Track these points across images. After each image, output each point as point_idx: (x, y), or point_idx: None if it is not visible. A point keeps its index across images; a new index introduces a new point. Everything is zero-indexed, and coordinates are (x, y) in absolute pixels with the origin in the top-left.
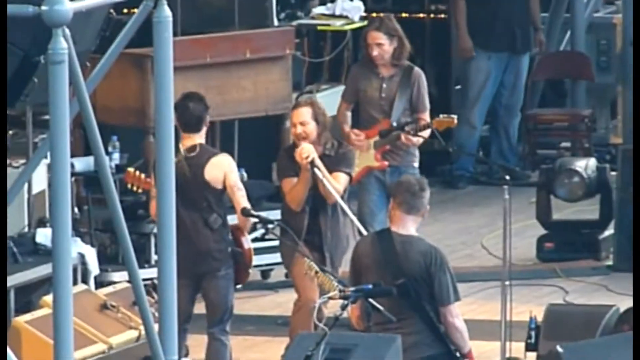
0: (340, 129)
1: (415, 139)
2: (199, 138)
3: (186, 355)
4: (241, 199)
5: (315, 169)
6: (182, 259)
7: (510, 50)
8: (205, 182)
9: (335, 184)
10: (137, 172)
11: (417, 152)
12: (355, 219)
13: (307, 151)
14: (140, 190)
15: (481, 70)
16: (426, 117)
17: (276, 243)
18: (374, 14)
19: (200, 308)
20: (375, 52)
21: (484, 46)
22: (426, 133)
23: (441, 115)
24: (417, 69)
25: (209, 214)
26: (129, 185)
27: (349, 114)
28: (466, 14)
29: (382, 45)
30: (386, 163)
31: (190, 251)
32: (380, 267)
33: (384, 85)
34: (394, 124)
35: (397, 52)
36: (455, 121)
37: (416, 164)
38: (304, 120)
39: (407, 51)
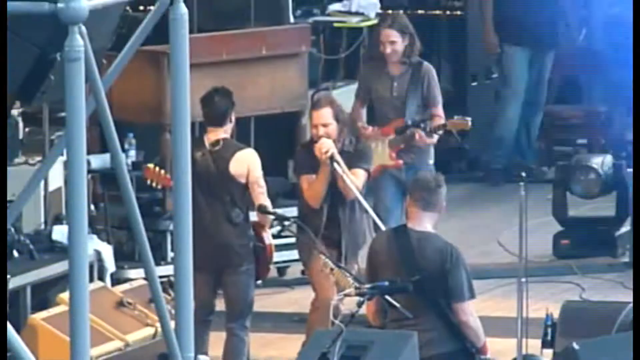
0: (354, 126)
1: (429, 139)
2: (224, 132)
3: (206, 352)
4: (260, 196)
5: (335, 164)
6: (203, 254)
7: (535, 46)
8: (230, 176)
9: (355, 179)
10: (157, 168)
11: (431, 150)
12: (374, 214)
13: (327, 146)
14: (159, 187)
15: (514, 63)
16: (439, 111)
17: (292, 240)
18: (390, 11)
19: (219, 305)
20: (388, 50)
21: (511, 40)
22: (435, 137)
23: (455, 117)
24: (426, 63)
25: (232, 208)
26: (148, 181)
27: (363, 111)
28: (493, 8)
29: (395, 43)
30: (401, 162)
31: (211, 246)
32: (397, 264)
33: (395, 84)
34: (409, 122)
35: (408, 49)
36: (469, 124)
37: (431, 161)
38: (325, 122)
39: (418, 48)
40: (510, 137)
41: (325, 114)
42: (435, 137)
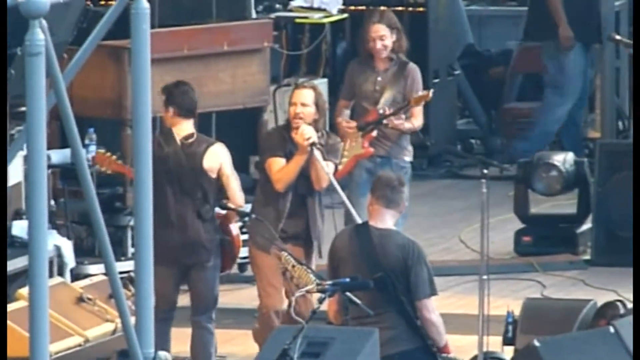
0: (336, 123)
1: (397, 122)
2: (193, 126)
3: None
4: (238, 189)
5: (316, 152)
6: (170, 249)
7: (582, 41)
8: (203, 172)
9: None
10: (108, 154)
11: (409, 146)
12: (350, 205)
13: (309, 133)
14: (109, 172)
15: (577, 60)
16: (417, 112)
17: None
18: (352, 7)
19: (180, 301)
20: (378, 45)
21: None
22: (417, 120)
23: (419, 92)
24: (412, 64)
25: (203, 204)
26: (99, 167)
27: (347, 112)
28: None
29: (384, 38)
30: (371, 149)
31: (180, 241)
32: (358, 261)
33: (379, 79)
34: (380, 111)
35: (396, 45)
36: (431, 94)
37: (408, 158)
38: (305, 101)
39: (405, 45)
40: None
41: (306, 94)
42: (405, 125)
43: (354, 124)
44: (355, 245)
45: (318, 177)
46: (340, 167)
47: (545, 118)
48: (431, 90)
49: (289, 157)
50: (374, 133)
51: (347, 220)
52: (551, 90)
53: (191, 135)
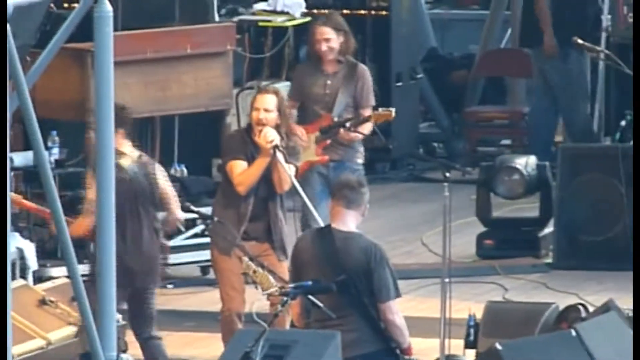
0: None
1: (353, 134)
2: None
3: (125, 351)
4: (177, 201)
5: (278, 154)
6: (126, 270)
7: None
8: (156, 186)
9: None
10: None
11: (361, 148)
12: (312, 206)
13: (272, 135)
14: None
15: (580, 65)
16: (368, 113)
17: None
18: (315, 10)
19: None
20: (324, 48)
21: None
22: (366, 128)
23: (380, 109)
24: (362, 65)
25: (155, 219)
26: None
27: (294, 112)
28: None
29: (330, 40)
30: (326, 157)
31: (137, 262)
32: (321, 263)
33: (328, 82)
34: (335, 119)
35: (343, 47)
36: (393, 114)
37: (360, 160)
38: (268, 107)
39: (353, 47)
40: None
41: (269, 100)
42: (359, 135)
43: (305, 135)
44: (318, 248)
45: (280, 180)
46: None
47: (542, 124)
48: (393, 110)
49: (250, 160)
50: (328, 141)
51: (304, 223)
52: (544, 94)
53: (140, 155)
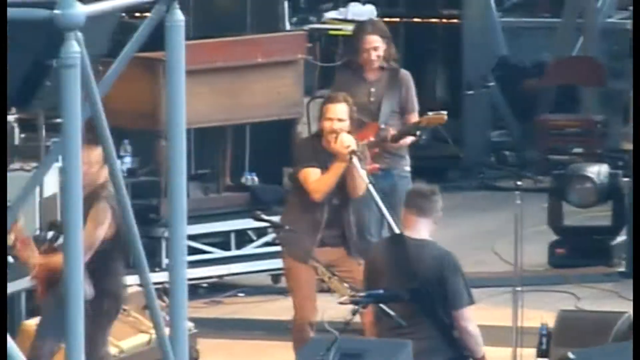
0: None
1: (402, 141)
2: None
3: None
4: None
5: (355, 160)
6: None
7: None
8: None
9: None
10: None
11: (407, 156)
12: (387, 214)
13: (349, 141)
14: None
15: None
16: (415, 118)
17: None
18: (386, 19)
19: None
20: (372, 56)
21: None
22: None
23: (430, 113)
24: (403, 70)
25: None
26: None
27: None
28: None
29: (378, 49)
30: (377, 165)
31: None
32: (394, 271)
33: (372, 90)
34: (382, 126)
35: (386, 53)
36: (445, 117)
37: (408, 168)
38: (341, 117)
39: (394, 53)
40: None
41: (341, 110)
42: (409, 139)
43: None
44: (390, 256)
45: (355, 186)
46: None
47: None
48: (445, 113)
49: (322, 167)
50: (377, 149)
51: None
52: None
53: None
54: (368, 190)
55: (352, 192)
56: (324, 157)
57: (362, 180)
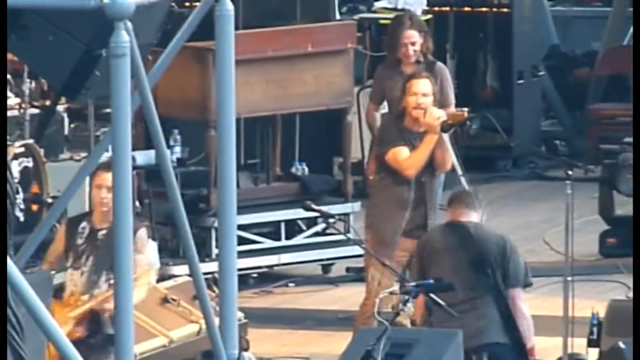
0: (370, 129)
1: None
2: None
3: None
4: None
5: (444, 134)
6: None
7: None
8: None
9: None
10: None
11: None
12: (467, 186)
13: (438, 112)
14: None
15: None
16: (452, 111)
17: (336, 238)
18: (436, 8)
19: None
20: (410, 51)
21: None
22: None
23: (453, 109)
24: (439, 63)
25: None
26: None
27: (377, 114)
28: None
29: (416, 44)
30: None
31: None
32: (458, 253)
33: None
34: None
35: (423, 47)
36: (466, 114)
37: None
38: (426, 91)
39: (431, 46)
40: None
41: (425, 84)
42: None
43: None
44: (451, 239)
45: (444, 158)
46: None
47: None
48: (466, 110)
49: (409, 146)
50: None
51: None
52: None
53: None
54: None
55: (441, 166)
56: (408, 136)
57: (450, 152)
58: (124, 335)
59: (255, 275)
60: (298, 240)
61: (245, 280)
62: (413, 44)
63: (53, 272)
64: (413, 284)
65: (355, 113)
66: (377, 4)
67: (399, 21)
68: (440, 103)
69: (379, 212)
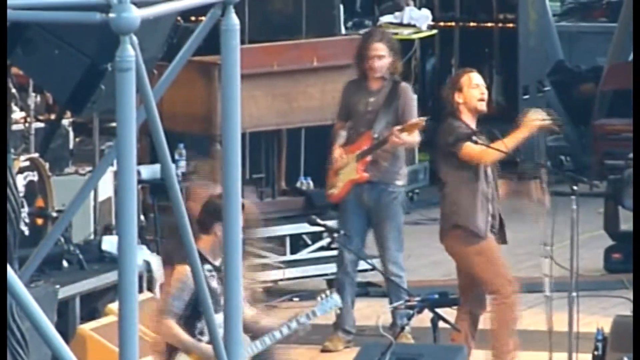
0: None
1: (397, 139)
2: None
3: None
4: None
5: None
6: None
7: None
8: None
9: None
10: None
11: (403, 169)
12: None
13: (541, 114)
14: None
15: None
16: None
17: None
18: (442, 23)
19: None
20: (376, 64)
21: None
22: (409, 138)
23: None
24: (404, 83)
25: None
26: None
27: (343, 133)
28: None
29: (383, 57)
30: (366, 175)
31: None
32: None
33: (371, 99)
34: (375, 135)
35: (391, 67)
36: (423, 122)
37: (400, 182)
38: (481, 83)
39: (400, 69)
40: None
41: (479, 76)
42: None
43: (344, 157)
44: None
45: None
46: (335, 192)
47: None
48: (423, 118)
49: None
50: (369, 158)
51: None
52: None
53: None
54: None
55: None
56: (468, 133)
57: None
58: (129, 349)
59: (260, 289)
60: (303, 254)
61: None
62: (380, 57)
63: None
64: (417, 298)
65: None
66: (382, 19)
67: (369, 34)
68: (405, 120)
69: (463, 207)
